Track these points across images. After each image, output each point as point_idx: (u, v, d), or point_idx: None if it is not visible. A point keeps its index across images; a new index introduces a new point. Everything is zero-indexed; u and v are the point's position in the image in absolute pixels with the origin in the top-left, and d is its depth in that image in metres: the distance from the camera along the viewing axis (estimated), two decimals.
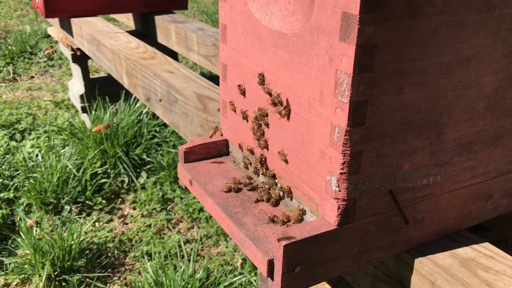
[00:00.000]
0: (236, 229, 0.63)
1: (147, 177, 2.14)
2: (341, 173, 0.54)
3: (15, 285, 1.56)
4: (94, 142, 2.17)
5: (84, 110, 2.53)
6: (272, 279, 0.56)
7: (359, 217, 0.58)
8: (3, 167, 2.10)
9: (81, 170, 2.06)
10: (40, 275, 1.56)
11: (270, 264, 0.56)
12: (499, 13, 0.57)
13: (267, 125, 0.68)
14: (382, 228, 0.61)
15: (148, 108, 2.42)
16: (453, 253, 0.65)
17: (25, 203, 1.91)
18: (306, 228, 0.56)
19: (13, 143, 2.34)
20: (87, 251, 1.70)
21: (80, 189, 1.99)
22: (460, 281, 0.59)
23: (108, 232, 1.83)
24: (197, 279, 1.52)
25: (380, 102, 0.52)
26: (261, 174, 0.73)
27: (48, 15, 2.10)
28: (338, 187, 0.55)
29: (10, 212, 1.87)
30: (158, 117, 2.47)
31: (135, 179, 2.11)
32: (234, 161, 0.81)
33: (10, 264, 1.61)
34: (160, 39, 2.29)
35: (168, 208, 1.95)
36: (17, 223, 1.79)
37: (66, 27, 2.29)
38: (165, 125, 2.50)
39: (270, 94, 0.65)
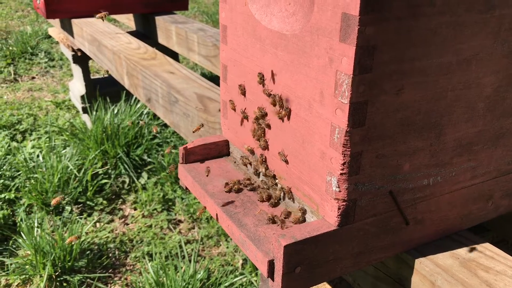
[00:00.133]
0: (237, 230, 0.63)
1: (148, 178, 2.15)
2: (341, 174, 0.54)
3: (16, 285, 1.56)
4: (95, 142, 2.18)
5: (85, 110, 2.53)
6: (273, 280, 0.56)
7: (359, 218, 0.58)
8: (4, 167, 2.10)
9: (82, 170, 2.06)
10: (41, 276, 1.56)
11: (271, 264, 0.56)
12: (499, 13, 0.57)
13: (267, 125, 0.68)
14: (383, 229, 0.61)
15: (149, 109, 2.43)
16: (454, 253, 0.65)
17: (26, 204, 1.91)
18: (307, 229, 0.56)
19: (14, 143, 2.34)
20: (88, 252, 1.70)
21: (81, 189, 2.00)
22: (461, 281, 0.59)
23: (109, 232, 1.83)
24: (198, 280, 1.52)
25: (380, 103, 0.52)
26: (262, 174, 0.73)
27: (49, 15, 2.10)
28: (339, 187, 0.55)
29: (11, 213, 1.88)
30: (158, 118, 2.47)
31: (136, 180, 2.12)
32: (235, 162, 0.81)
33: (11, 264, 1.61)
34: (161, 40, 2.30)
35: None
36: (18, 224, 1.80)
37: (67, 27, 2.29)
38: (165, 125, 2.50)
39: (270, 95, 0.65)
